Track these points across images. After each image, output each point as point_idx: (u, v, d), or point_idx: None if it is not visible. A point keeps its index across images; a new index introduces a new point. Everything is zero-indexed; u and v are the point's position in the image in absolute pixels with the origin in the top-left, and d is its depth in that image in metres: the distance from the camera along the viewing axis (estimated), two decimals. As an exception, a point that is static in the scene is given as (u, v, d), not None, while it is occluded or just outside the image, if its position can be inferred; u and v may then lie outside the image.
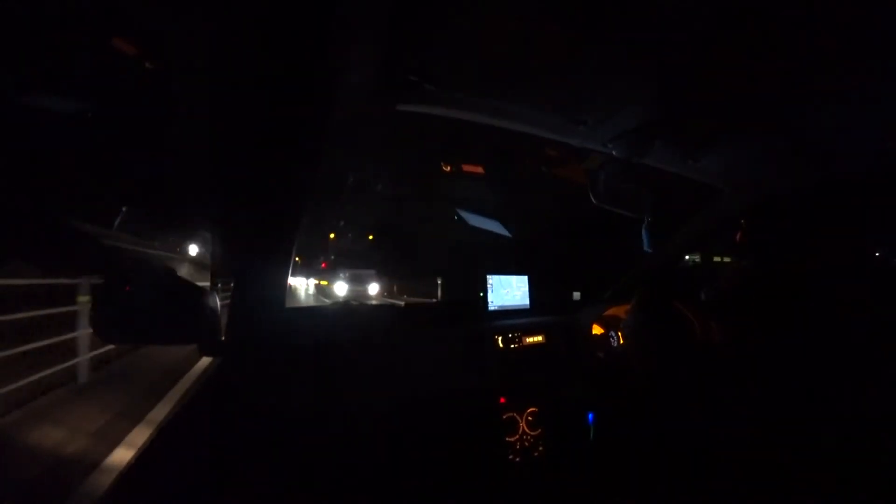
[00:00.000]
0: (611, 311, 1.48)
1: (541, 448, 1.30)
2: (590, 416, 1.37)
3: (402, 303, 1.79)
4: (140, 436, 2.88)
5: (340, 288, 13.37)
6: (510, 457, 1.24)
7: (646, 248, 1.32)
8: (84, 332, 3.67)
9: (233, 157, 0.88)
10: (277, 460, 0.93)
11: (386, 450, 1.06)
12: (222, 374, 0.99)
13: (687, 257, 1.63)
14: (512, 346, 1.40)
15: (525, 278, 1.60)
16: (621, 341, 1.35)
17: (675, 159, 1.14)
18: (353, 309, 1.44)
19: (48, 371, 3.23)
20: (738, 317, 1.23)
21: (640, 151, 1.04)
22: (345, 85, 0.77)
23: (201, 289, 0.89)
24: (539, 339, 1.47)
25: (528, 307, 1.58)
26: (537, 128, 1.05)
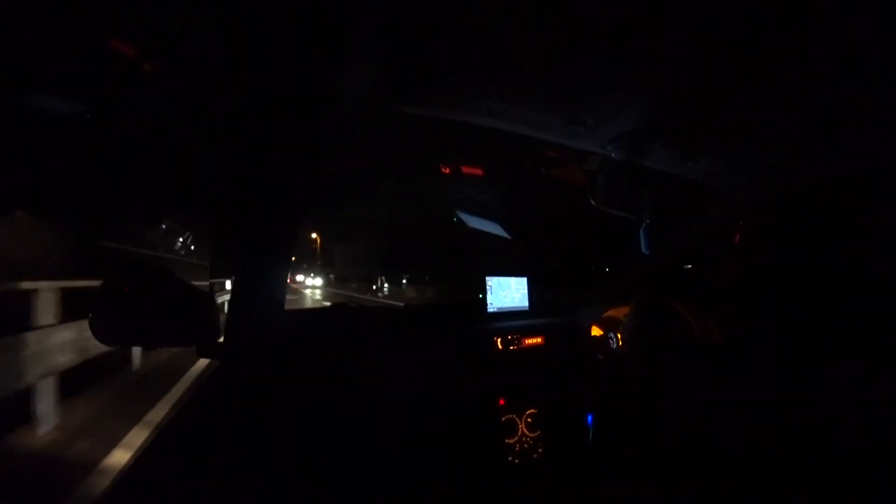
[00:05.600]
0: (610, 313, 1.48)
1: (540, 450, 1.29)
2: (589, 417, 1.37)
3: (402, 304, 1.79)
4: (138, 437, 2.88)
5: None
6: (509, 458, 1.24)
7: (643, 249, 1.32)
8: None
9: (232, 157, 0.88)
10: (276, 463, 0.93)
11: (385, 451, 1.06)
12: (221, 377, 0.99)
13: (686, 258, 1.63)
14: (511, 347, 1.39)
15: (524, 280, 1.60)
16: (620, 343, 1.35)
17: (673, 161, 1.14)
18: (352, 310, 1.43)
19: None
20: (738, 317, 1.23)
21: (639, 153, 1.05)
22: (344, 86, 0.77)
23: (200, 290, 0.88)
24: (538, 340, 1.47)
25: (528, 309, 1.58)
26: (536, 129, 1.05)
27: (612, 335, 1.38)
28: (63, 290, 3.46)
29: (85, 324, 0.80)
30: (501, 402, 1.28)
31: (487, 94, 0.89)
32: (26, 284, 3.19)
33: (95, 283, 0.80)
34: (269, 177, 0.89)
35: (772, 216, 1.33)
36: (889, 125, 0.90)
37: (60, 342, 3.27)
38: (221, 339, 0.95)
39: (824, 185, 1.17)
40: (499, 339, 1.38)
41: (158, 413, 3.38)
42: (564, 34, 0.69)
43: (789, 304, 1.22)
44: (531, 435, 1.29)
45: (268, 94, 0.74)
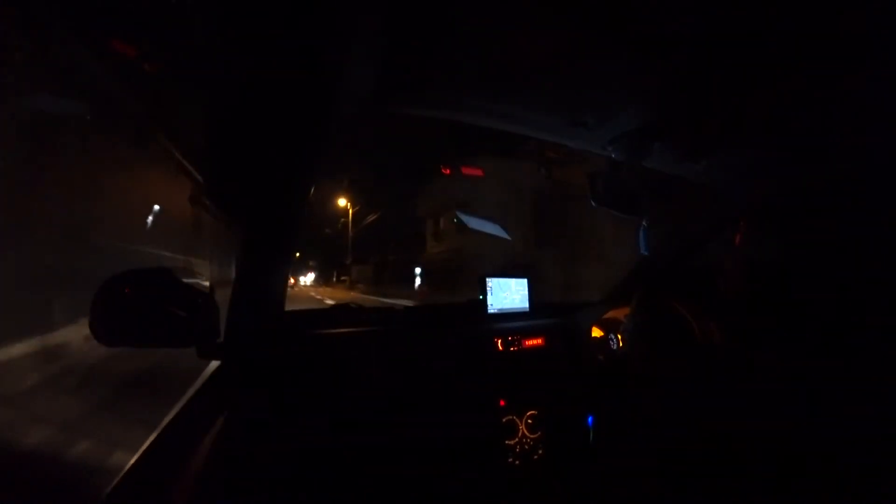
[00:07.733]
0: (610, 314, 1.48)
1: (540, 451, 1.29)
2: (589, 418, 1.37)
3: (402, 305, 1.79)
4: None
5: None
6: (509, 460, 1.24)
7: (642, 250, 1.32)
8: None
9: (231, 157, 0.88)
10: (275, 463, 0.93)
11: (385, 451, 1.06)
12: (220, 377, 0.99)
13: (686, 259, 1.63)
14: (511, 348, 1.39)
15: (524, 281, 1.60)
16: (621, 344, 1.35)
17: (674, 161, 1.14)
18: (352, 311, 1.43)
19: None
20: (738, 317, 1.23)
21: (639, 153, 1.05)
22: (344, 87, 0.77)
23: (199, 290, 0.88)
24: (539, 341, 1.46)
25: (528, 310, 1.58)
26: (537, 130, 1.05)
27: (613, 336, 1.38)
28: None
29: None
30: (502, 403, 1.28)
31: (489, 95, 0.89)
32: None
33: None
34: (268, 177, 0.89)
35: (772, 216, 1.33)
36: (888, 125, 0.90)
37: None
38: (221, 339, 0.95)
39: (823, 185, 1.17)
40: (499, 340, 1.37)
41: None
42: (565, 34, 0.69)
43: (789, 304, 1.22)
44: (532, 436, 1.29)
45: (267, 93, 0.74)
